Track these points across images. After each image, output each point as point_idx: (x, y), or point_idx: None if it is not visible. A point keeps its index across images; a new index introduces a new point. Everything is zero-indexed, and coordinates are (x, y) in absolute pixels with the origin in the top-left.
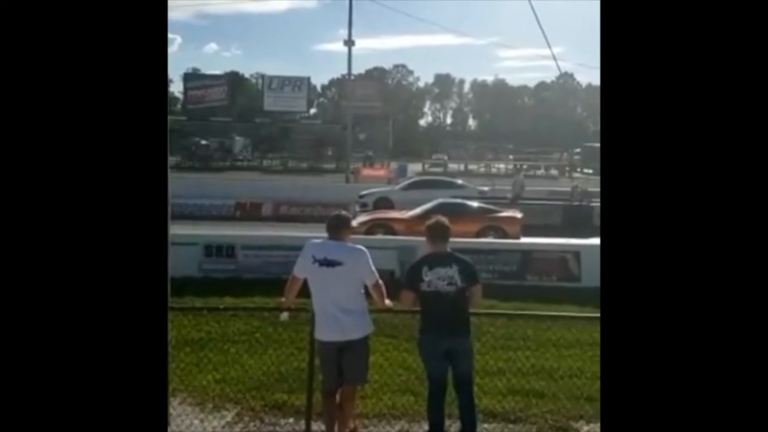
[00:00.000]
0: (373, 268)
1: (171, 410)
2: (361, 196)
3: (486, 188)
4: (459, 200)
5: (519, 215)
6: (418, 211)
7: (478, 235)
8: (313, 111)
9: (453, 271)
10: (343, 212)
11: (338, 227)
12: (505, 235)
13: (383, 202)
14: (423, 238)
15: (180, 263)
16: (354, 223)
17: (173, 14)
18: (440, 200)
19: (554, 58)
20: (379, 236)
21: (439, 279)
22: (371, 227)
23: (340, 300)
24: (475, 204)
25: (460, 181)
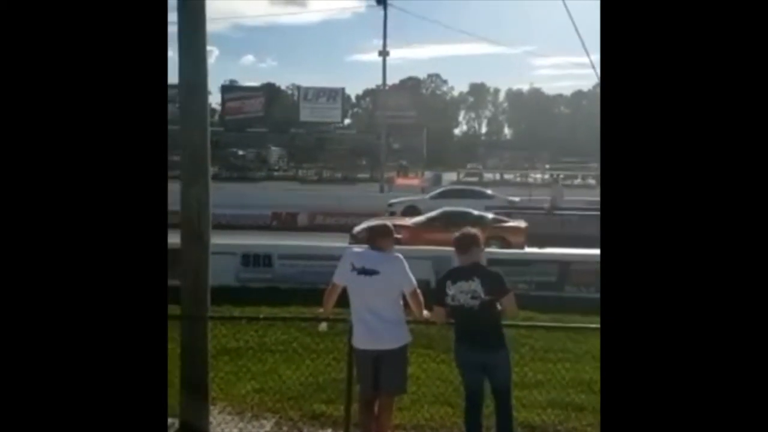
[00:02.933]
0: (411, 275)
1: (211, 419)
2: (390, 205)
3: (517, 198)
4: (463, 209)
5: (524, 225)
6: (422, 218)
7: None
8: (347, 121)
9: (475, 284)
10: (386, 222)
11: (378, 236)
12: (509, 245)
13: (411, 211)
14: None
15: (217, 272)
16: (357, 229)
17: (210, 26)
18: (444, 209)
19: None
20: (415, 246)
21: (461, 293)
22: None
23: (376, 309)
24: (479, 213)
25: (489, 191)
